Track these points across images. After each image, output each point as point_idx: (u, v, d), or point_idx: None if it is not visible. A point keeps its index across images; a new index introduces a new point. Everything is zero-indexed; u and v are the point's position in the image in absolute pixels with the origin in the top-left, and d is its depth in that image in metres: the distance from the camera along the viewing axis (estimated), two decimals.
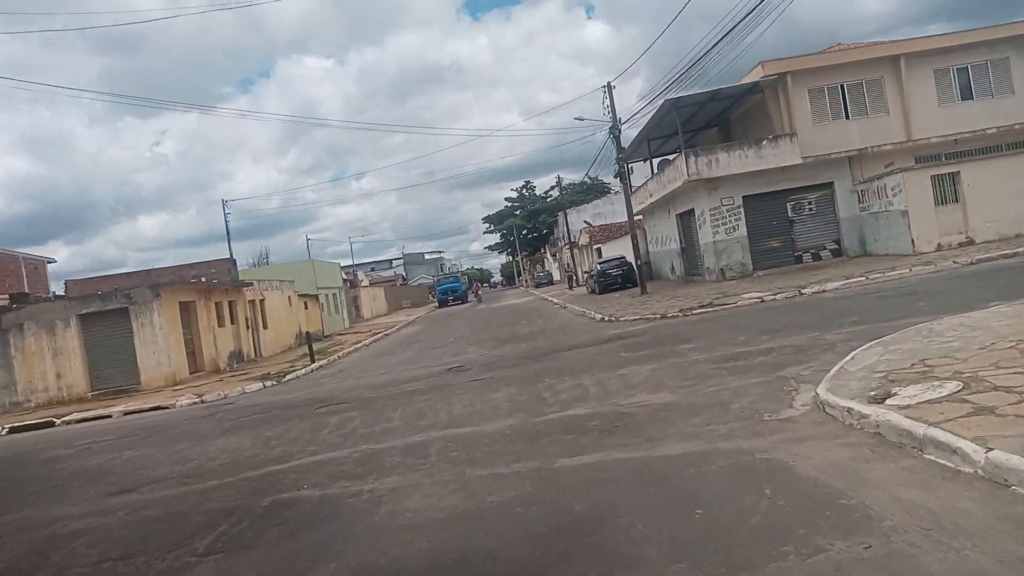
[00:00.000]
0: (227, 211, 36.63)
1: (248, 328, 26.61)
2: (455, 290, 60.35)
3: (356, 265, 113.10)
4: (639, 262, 27.14)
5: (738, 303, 18.02)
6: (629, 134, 30.37)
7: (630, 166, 29.70)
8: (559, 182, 59.57)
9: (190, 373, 21.38)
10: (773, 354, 10.07)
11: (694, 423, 7.04)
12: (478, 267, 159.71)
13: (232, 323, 25.30)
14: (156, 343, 20.03)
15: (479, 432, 8.22)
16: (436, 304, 61.97)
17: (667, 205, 30.29)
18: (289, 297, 32.45)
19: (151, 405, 16.95)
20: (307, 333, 21.95)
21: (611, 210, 64.36)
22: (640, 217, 36.52)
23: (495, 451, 7.21)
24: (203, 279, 24.74)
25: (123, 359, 20.14)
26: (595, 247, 49.93)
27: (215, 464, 8.91)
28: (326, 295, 39.85)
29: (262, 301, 28.61)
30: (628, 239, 39.54)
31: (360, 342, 28.29)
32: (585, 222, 57.82)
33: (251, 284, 27.06)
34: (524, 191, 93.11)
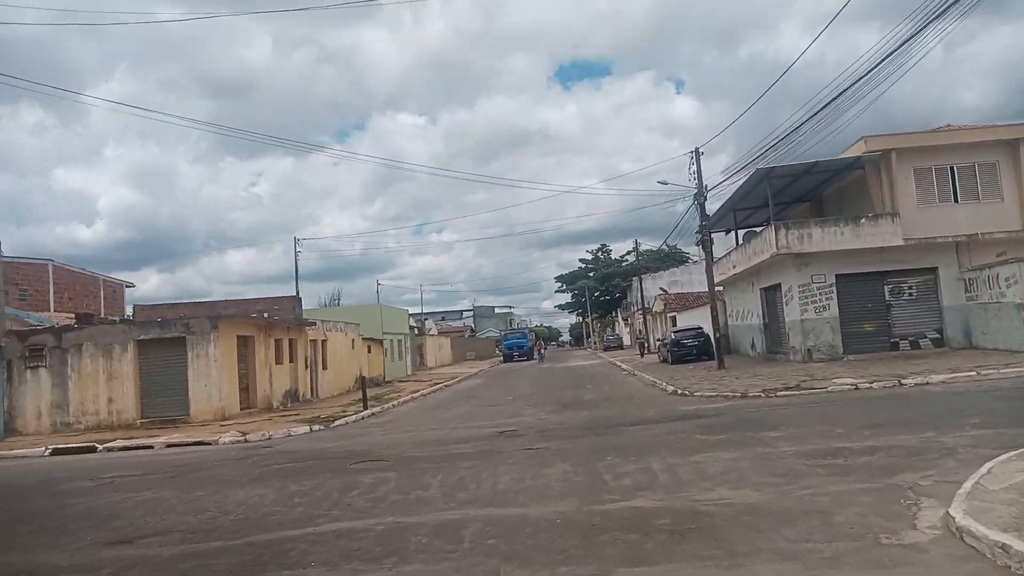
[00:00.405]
0: (298, 249, 36.97)
1: (307, 368, 26.11)
2: (521, 346, 59.25)
3: (427, 313, 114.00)
4: (717, 334, 25.49)
5: (829, 388, 16.27)
6: (711, 207, 29.12)
7: (712, 236, 28.29)
8: (636, 246, 58.13)
9: (241, 409, 20.81)
10: (879, 454, 8.52)
11: (789, 536, 5.65)
12: (547, 325, 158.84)
13: (291, 361, 24.81)
14: (209, 375, 19.58)
15: (524, 516, 6.99)
16: (501, 358, 60.93)
17: (751, 278, 28.63)
18: (353, 340, 31.99)
19: (194, 440, 16.34)
20: (362, 377, 21.16)
21: (688, 279, 62.55)
22: (720, 288, 34.83)
23: (540, 545, 5.98)
24: (265, 315, 24.44)
25: (175, 389, 19.74)
26: (669, 315, 48.17)
27: (228, 519, 7.93)
28: (391, 340, 39.39)
29: (324, 341, 28.16)
30: (705, 310, 37.79)
31: (418, 391, 27.40)
32: (661, 289, 56.19)
33: (314, 323, 26.69)
34: (599, 253, 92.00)
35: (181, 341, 19.82)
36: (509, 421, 15.40)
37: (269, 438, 16.19)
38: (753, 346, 29.70)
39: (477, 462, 10.27)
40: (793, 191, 27.20)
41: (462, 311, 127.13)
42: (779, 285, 25.02)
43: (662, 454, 9.72)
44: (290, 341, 24.94)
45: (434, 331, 75.17)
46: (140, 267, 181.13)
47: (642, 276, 55.03)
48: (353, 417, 18.94)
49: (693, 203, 25.72)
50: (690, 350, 30.46)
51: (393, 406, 22.37)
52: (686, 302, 47.30)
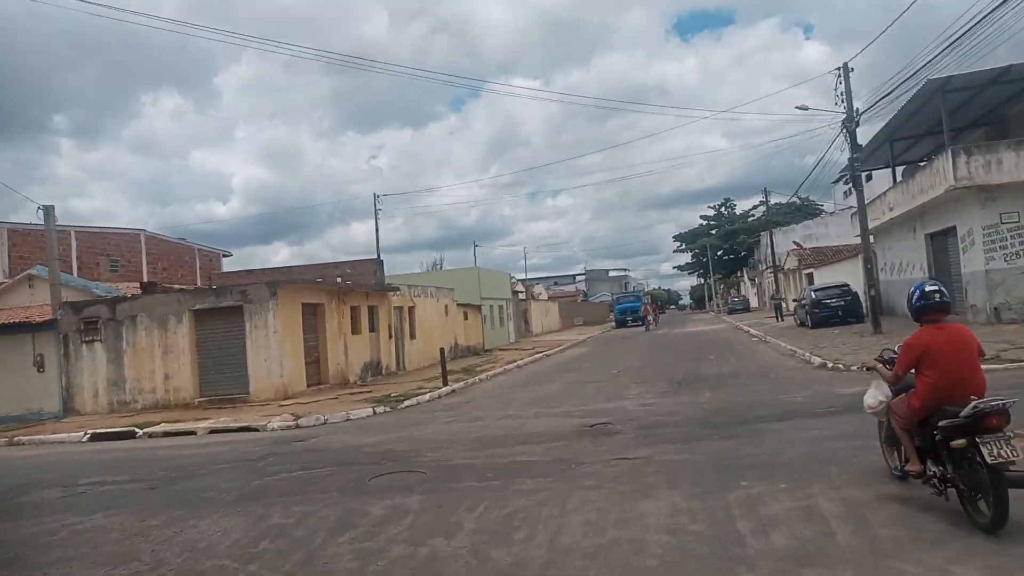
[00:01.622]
0: (378, 207, 34.26)
1: (391, 337, 23.61)
2: (635, 310, 55.17)
3: (537, 279, 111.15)
4: (871, 291, 20.76)
5: None
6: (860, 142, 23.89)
7: (863, 173, 23.39)
8: (766, 196, 51.72)
9: (310, 385, 18.48)
10: None
11: None
12: (666, 288, 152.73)
13: (371, 331, 22.35)
14: (269, 349, 17.28)
15: None
16: (613, 324, 57.10)
17: (912, 223, 23.40)
18: (446, 306, 29.33)
19: (240, 424, 14.04)
20: (441, 351, 18.25)
21: (824, 232, 56.06)
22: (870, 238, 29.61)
23: None
24: (339, 279, 22.01)
25: (234, 364, 17.59)
26: (805, 272, 42.72)
27: None
28: (491, 306, 36.54)
29: (411, 308, 25.59)
30: (848, 265, 32.45)
31: (514, 362, 24.41)
32: (794, 243, 50.34)
33: (397, 289, 24.10)
34: (723, 209, 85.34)
35: (238, 311, 17.60)
36: (605, 407, 11.96)
37: (324, 422, 13.64)
38: None
39: (542, 483, 6.97)
40: (968, 112, 21.80)
41: (575, 275, 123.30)
42: (954, 229, 19.90)
43: (831, 478, 6.07)
44: (370, 309, 22.45)
45: (543, 296, 72.24)
46: (271, 240, 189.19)
47: (772, 230, 49.33)
48: (428, 396, 16.13)
49: (840, 131, 20.96)
50: (834, 311, 25.62)
51: (480, 380, 19.43)
52: (824, 257, 41.68)
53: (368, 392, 17.82)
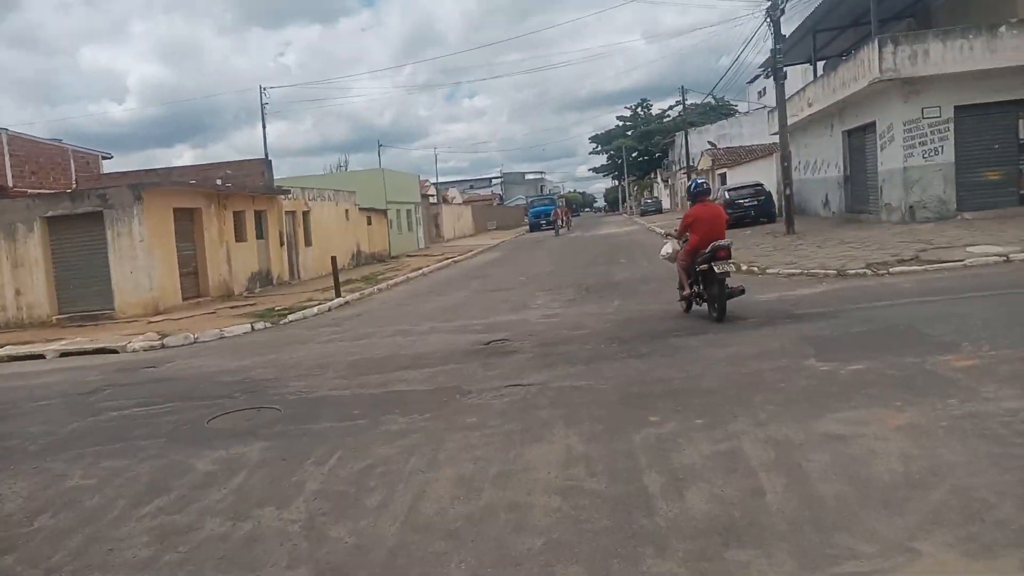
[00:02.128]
0: (265, 101, 31.00)
1: (282, 245, 21.68)
2: (548, 214, 54.22)
3: (453, 182, 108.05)
4: (787, 191, 20.13)
5: (966, 262, 11.32)
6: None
7: (782, 68, 22.43)
8: (683, 95, 50.16)
9: (186, 299, 16.61)
10: None
11: None
12: (581, 191, 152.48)
13: (259, 238, 20.35)
14: (135, 260, 15.25)
15: None
16: (527, 228, 56.05)
17: (830, 119, 22.71)
18: (347, 210, 27.31)
19: (96, 346, 12.26)
20: (333, 259, 16.60)
21: (738, 132, 55.77)
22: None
23: None
24: (219, 181, 19.74)
25: (96, 277, 15.49)
26: (718, 172, 42.37)
27: None
28: (398, 210, 34.58)
29: (306, 213, 23.57)
30: (761, 164, 32.00)
31: (420, 269, 23.04)
32: (709, 143, 49.88)
33: (287, 192, 21.97)
34: (639, 109, 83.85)
35: (98, 217, 15.38)
36: (507, 319, 10.83)
37: (193, 342, 12.04)
38: (826, 204, 24.16)
39: (416, 421, 5.76)
40: (893, 3, 20.86)
41: (491, 178, 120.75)
42: (873, 125, 19.26)
43: (755, 411, 5.07)
44: (257, 214, 20.37)
45: (457, 200, 70.22)
46: (174, 143, 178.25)
47: (687, 131, 48.58)
48: (316, 309, 14.63)
49: (764, 21, 19.72)
50: (748, 211, 25.14)
51: (379, 290, 18.01)
52: (738, 157, 41.35)
53: (252, 306, 16.14)
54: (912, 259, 12.15)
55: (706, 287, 8.47)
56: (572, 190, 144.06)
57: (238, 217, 19.19)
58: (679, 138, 56.39)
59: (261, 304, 16.15)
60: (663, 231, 15.98)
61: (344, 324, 12.45)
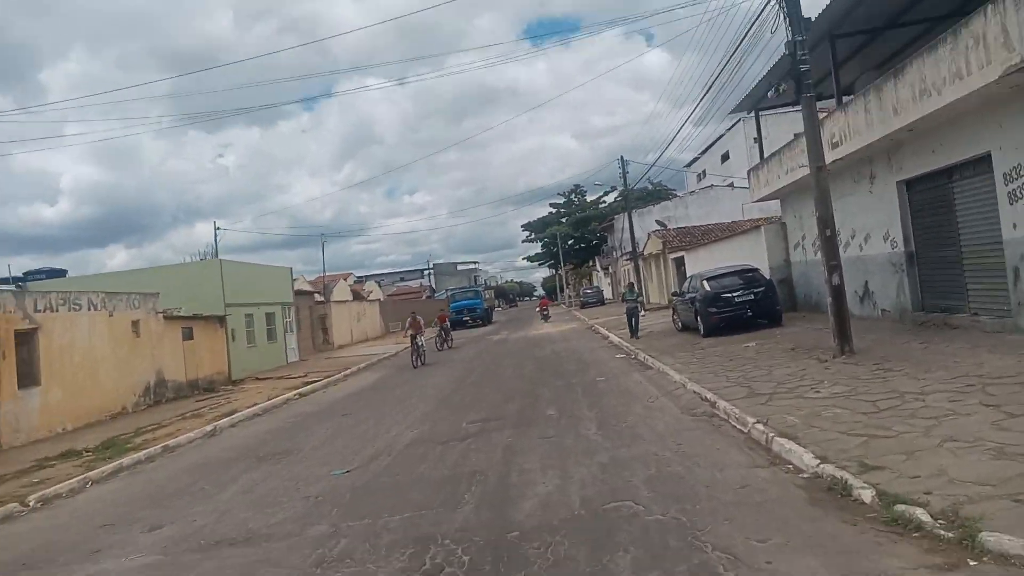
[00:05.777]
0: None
1: None
2: (473, 308, 45.63)
3: (382, 275, 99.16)
4: (832, 279, 11.69)
5: None
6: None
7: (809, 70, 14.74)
8: (623, 166, 41.06)
9: None
10: None
11: None
12: (519, 280, 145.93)
13: None
14: None
15: None
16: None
17: (867, 166, 14.69)
18: (135, 322, 17.89)
19: None
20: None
21: (684, 214, 48.83)
22: (773, 201, 21.33)
23: None
24: None
25: None
26: (672, 257, 34.67)
27: None
28: (249, 316, 25.08)
29: (28, 332, 14.17)
30: (738, 244, 23.77)
31: (234, 413, 13.82)
32: (657, 222, 42.45)
33: None
34: (573, 196, 77.83)
35: None
36: None
37: None
38: (867, 296, 15.78)
39: None
40: None
41: (423, 269, 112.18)
42: (983, 161, 11.10)
43: None
44: None
45: (375, 294, 61.06)
46: (107, 244, 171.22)
47: (631, 209, 41.12)
48: None
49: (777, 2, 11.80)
50: (741, 309, 16.69)
51: (83, 487, 8.63)
52: (693, 238, 33.75)
53: None
54: None
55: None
56: (510, 280, 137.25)
57: None
58: (619, 221, 49.15)
59: None
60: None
61: None
